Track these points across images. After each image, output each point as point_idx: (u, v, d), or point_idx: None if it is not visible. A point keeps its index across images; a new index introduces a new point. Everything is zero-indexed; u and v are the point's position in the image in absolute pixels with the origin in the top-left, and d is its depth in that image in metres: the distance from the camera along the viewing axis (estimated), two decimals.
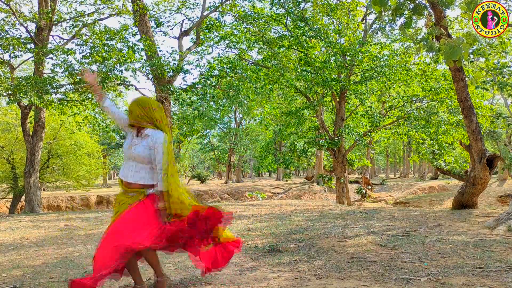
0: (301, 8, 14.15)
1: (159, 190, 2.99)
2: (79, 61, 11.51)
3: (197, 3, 15.03)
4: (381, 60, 13.57)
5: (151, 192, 3.00)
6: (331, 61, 13.38)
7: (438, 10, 7.09)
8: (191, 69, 17.00)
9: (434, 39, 6.39)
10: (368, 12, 15.54)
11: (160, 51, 13.24)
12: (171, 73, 12.89)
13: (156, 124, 3.04)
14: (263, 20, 14.34)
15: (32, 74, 13.39)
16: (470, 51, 10.02)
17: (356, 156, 19.26)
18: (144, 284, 3.06)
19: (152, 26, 13.62)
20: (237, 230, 6.23)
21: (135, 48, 12.05)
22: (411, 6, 5.25)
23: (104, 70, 11.47)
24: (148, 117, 3.00)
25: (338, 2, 15.05)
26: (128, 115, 3.04)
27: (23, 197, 14.23)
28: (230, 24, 14.67)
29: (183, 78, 20.80)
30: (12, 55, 11.99)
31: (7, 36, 11.94)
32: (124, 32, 12.23)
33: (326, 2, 14.26)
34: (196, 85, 13.24)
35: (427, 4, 6.57)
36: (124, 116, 3.11)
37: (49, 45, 12.73)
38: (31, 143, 12.90)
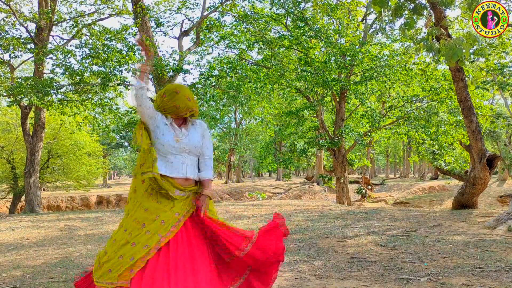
0: (301, 8, 14.14)
1: (208, 179, 2.70)
2: (79, 61, 11.51)
3: (197, 3, 15.04)
4: (381, 60, 13.56)
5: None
6: (331, 61, 13.37)
7: (438, 10, 7.09)
8: (191, 69, 17.04)
9: (434, 39, 6.39)
10: (368, 12, 15.54)
11: (160, 51, 13.25)
12: (171, 73, 12.90)
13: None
14: (263, 20, 14.33)
15: (32, 74, 13.39)
16: (471, 51, 10.02)
17: (356, 156, 19.26)
18: None
19: (152, 26, 13.63)
20: None
21: (135, 49, 12.05)
22: (411, 6, 5.25)
23: (104, 70, 11.47)
24: (194, 106, 2.73)
25: (338, 2, 15.04)
26: (177, 103, 2.65)
27: (23, 197, 14.23)
28: (230, 24, 14.67)
29: (183, 78, 20.87)
30: (12, 55, 12.00)
31: (7, 36, 11.95)
32: (124, 32, 12.23)
33: (326, 2, 14.26)
34: (196, 85, 13.24)
35: (427, 4, 6.57)
36: (152, 106, 2.75)
37: (49, 45, 12.73)
38: (31, 143, 12.90)
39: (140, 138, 2.63)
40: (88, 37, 13.15)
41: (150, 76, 2.69)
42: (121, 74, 11.93)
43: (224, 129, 39.53)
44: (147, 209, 2.51)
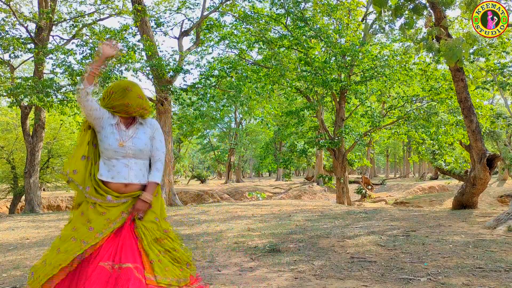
0: (301, 8, 14.14)
1: (153, 181, 2.51)
2: (79, 61, 11.52)
3: (197, 3, 15.04)
4: (381, 60, 13.56)
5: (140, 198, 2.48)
6: (331, 61, 13.37)
7: (438, 10, 7.09)
8: (191, 69, 17.05)
9: (434, 39, 6.39)
10: (368, 12, 15.54)
11: (160, 51, 13.25)
12: (171, 73, 12.90)
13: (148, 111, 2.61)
14: (263, 20, 14.34)
15: (32, 74, 13.39)
16: (471, 51, 10.03)
17: (356, 156, 19.23)
18: None
19: (152, 26, 13.63)
20: (237, 230, 6.23)
21: (135, 49, 12.05)
22: (411, 6, 5.25)
23: (104, 70, 11.47)
24: (145, 104, 2.55)
25: (338, 2, 15.05)
26: (127, 100, 2.47)
27: (23, 197, 14.23)
28: (230, 24, 14.68)
29: (183, 78, 20.87)
30: (12, 55, 11.99)
31: (7, 36, 11.95)
32: (124, 32, 12.23)
33: (326, 2, 14.26)
34: (196, 85, 13.24)
35: (427, 4, 6.57)
36: (99, 106, 2.52)
37: (49, 45, 12.72)
38: (31, 143, 12.90)
39: (80, 138, 2.53)
40: (88, 37, 13.15)
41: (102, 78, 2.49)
42: (121, 74, 11.94)
43: (224, 129, 39.55)
44: (83, 213, 2.41)
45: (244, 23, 14.54)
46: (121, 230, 2.38)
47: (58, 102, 12.14)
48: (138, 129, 2.54)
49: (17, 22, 12.56)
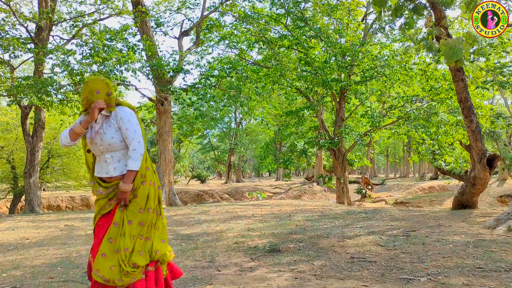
0: (301, 8, 14.14)
1: (128, 170, 2.49)
2: (79, 61, 11.51)
3: (197, 3, 15.04)
4: (381, 60, 13.56)
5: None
6: (331, 61, 13.37)
7: (438, 10, 7.09)
8: (191, 69, 17.02)
9: (434, 39, 6.39)
10: (368, 12, 15.54)
11: (160, 51, 13.25)
12: (171, 73, 12.90)
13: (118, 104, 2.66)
14: (263, 20, 14.34)
15: (32, 74, 13.38)
16: (471, 51, 10.02)
17: (356, 156, 19.22)
18: None
19: (152, 26, 13.63)
20: (237, 230, 6.23)
21: (136, 49, 12.06)
22: (411, 6, 5.25)
23: (104, 70, 11.47)
24: (108, 99, 2.58)
25: (338, 2, 15.05)
26: (85, 94, 2.53)
27: (23, 197, 14.22)
28: (230, 24, 14.68)
29: (183, 78, 20.83)
30: (12, 55, 11.99)
31: (7, 36, 11.94)
32: (124, 32, 12.23)
33: (326, 2, 14.26)
34: (196, 85, 13.25)
35: (427, 4, 6.57)
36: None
37: (49, 45, 12.72)
38: (31, 143, 12.90)
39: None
40: (88, 37, 13.15)
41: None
42: (121, 74, 11.95)
43: (224, 129, 39.55)
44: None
45: (244, 23, 14.54)
46: (107, 215, 2.61)
47: (58, 102, 12.13)
48: (105, 124, 2.59)
49: (17, 22, 12.55)
